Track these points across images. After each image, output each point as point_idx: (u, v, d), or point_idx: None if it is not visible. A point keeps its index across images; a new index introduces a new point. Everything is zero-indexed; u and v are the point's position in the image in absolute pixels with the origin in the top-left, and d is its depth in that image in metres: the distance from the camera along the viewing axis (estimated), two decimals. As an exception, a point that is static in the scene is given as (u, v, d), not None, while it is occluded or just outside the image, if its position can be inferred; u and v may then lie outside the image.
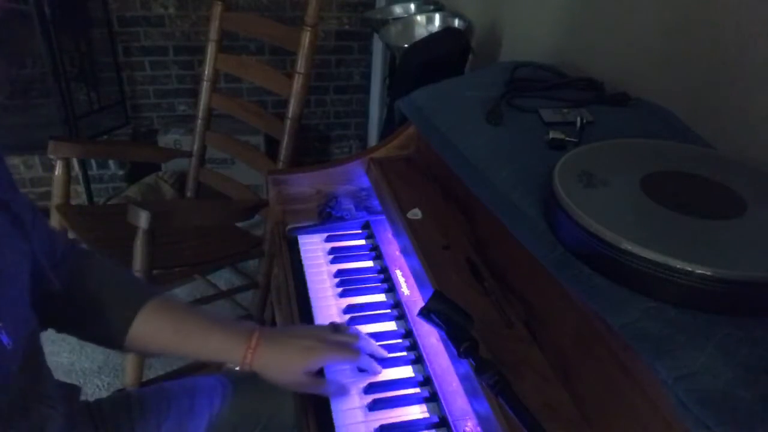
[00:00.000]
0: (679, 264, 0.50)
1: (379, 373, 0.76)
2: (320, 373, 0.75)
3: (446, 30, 1.50)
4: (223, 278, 2.04)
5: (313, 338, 0.73)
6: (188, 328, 0.73)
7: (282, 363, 0.71)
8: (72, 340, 0.78)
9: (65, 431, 0.64)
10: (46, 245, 0.69)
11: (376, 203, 1.08)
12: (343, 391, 0.73)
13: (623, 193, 0.61)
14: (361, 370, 0.76)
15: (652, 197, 0.60)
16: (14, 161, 2.39)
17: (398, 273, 0.92)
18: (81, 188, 2.30)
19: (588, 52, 1.15)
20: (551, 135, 0.80)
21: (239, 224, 1.71)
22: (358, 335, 0.76)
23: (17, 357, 0.57)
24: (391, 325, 0.85)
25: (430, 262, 0.79)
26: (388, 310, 0.88)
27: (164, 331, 0.72)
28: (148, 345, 0.73)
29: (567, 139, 0.79)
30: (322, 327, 0.79)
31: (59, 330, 0.73)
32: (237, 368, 0.72)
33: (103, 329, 0.72)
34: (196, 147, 1.75)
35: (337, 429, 0.69)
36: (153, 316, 0.72)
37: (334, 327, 0.78)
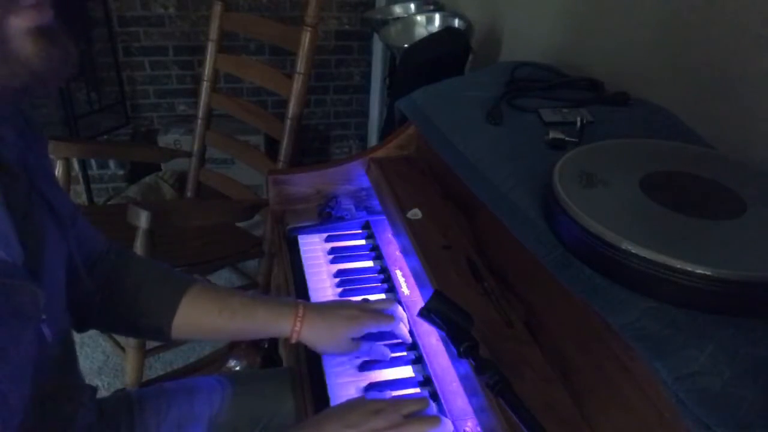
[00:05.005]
0: (679, 264, 0.50)
1: (408, 340, 0.80)
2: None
3: (446, 30, 1.50)
4: (223, 278, 2.04)
5: (355, 308, 0.78)
6: (233, 306, 0.75)
7: (329, 330, 0.75)
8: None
9: (92, 426, 0.66)
10: (84, 246, 0.71)
11: (376, 203, 1.08)
12: (382, 354, 0.78)
13: (623, 193, 0.61)
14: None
15: (652, 197, 0.60)
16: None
17: (398, 273, 0.92)
18: (81, 188, 2.30)
19: (588, 52, 1.15)
20: (551, 135, 0.80)
21: (239, 224, 1.71)
22: (392, 301, 0.82)
23: (55, 351, 0.59)
24: (391, 325, 0.85)
25: (430, 262, 0.79)
26: (388, 310, 0.88)
27: (210, 314, 0.75)
28: (195, 329, 0.76)
29: (567, 139, 0.79)
30: (357, 301, 0.83)
31: (104, 330, 0.75)
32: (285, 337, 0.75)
33: (149, 322, 0.74)
34: (196, 147, 1.74)
35: (337, 429, 0.69)
36: (196, 300, 0.75)
37: (366, 301, 0.82)
